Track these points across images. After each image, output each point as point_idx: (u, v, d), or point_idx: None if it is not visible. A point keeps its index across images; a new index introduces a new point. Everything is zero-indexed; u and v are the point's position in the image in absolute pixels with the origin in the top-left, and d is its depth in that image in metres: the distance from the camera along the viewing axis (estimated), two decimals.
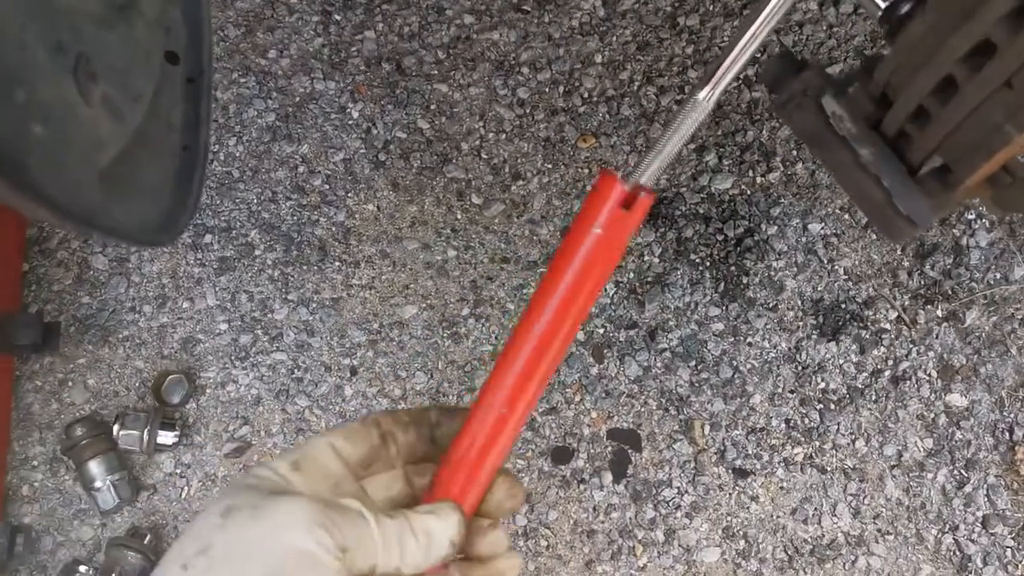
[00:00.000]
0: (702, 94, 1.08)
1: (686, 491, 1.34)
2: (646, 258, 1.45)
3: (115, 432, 1.32)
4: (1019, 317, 1.37)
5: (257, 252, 1.44)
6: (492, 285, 1.44)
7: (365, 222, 1.47)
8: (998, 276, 1.40)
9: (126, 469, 1.33)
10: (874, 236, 1.46)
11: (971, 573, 1.28)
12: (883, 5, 0.77)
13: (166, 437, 1.33)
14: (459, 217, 1.48)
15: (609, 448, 1.37)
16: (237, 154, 1.49)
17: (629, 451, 1.37)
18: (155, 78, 0.75)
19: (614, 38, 1.57)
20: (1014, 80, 0.60)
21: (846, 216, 1.46)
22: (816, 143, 0.77)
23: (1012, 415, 1.33)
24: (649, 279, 1.44)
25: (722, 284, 1.43)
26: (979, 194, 0.74)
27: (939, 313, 1.39)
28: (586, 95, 1.54)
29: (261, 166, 1.49)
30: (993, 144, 0.63)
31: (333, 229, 1.46)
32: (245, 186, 1.47)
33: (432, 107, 1.52)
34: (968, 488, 1.31)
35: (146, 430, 1.31)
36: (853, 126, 0.74)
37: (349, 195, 1.48)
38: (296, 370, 1.40)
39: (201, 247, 1.44)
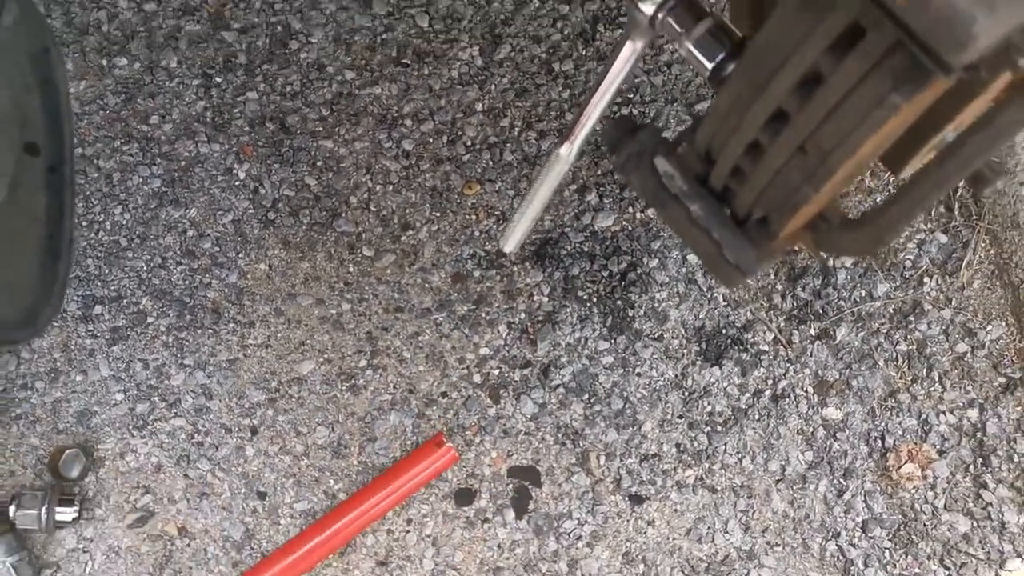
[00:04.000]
0: (563, 149, 1.14)
1: (586, 521, 1.38)
2: (535, 298, 1.50)
3: (12, 513, 1.30)
4: (884, 331, 1.46)
5: (150, 319, 1.45)
6: (388, 335, 1.48)
7: (258, 281, 1.49)
8: (863, 294, 1.49)
9: (26, 549, 1.32)
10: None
11: None
12: (710, 66, 0.83)
13: (65, 513, 1.32)
14: (351, 270, 1.50)
15: (510, 486, 1.41)
16: (124, 222, 1.49)
17: (529, 487, 1.41)
18: (10, 171, 0.76)
19: (493, 86, 1.62)
20: (807, 145, 0.66)
21: None
22: (653, 200, 0.82)
23: (883, 424, 1.41)
24: (540, 318, 1.49)
25: (610, 318, 1.49)
26: (801, 240, 0.81)
27: (812, 332, 1.48)
28: (469, 143, 1.59)
29: (149, 232, 1.49)
30: (796, 202, 0.69)
31: (226, 291, 1.47)
32: (134, 254, 1.48)
33: (319, 163, 1.55)
34: (847, 496, 1.38)
35: (44, 508, 1.30)
36: (684, 184, 0.80)
37: (240, 256, 1.49)
38: (196, 434, 1.40)
39: (92, 318, 1.43)
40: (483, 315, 1.49)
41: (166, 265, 1.48)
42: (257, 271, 1.49)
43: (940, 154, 0.66)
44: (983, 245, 1.48)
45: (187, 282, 1.47)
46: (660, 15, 0.88)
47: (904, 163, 0.77)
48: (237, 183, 1.53)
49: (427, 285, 1.50)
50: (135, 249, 1.48)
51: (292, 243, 1.51)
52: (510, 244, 1.23)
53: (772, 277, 1.52)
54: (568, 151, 1.11)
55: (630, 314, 1.50)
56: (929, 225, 1.51)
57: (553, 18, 1.66)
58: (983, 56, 0.55)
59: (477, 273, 1.51)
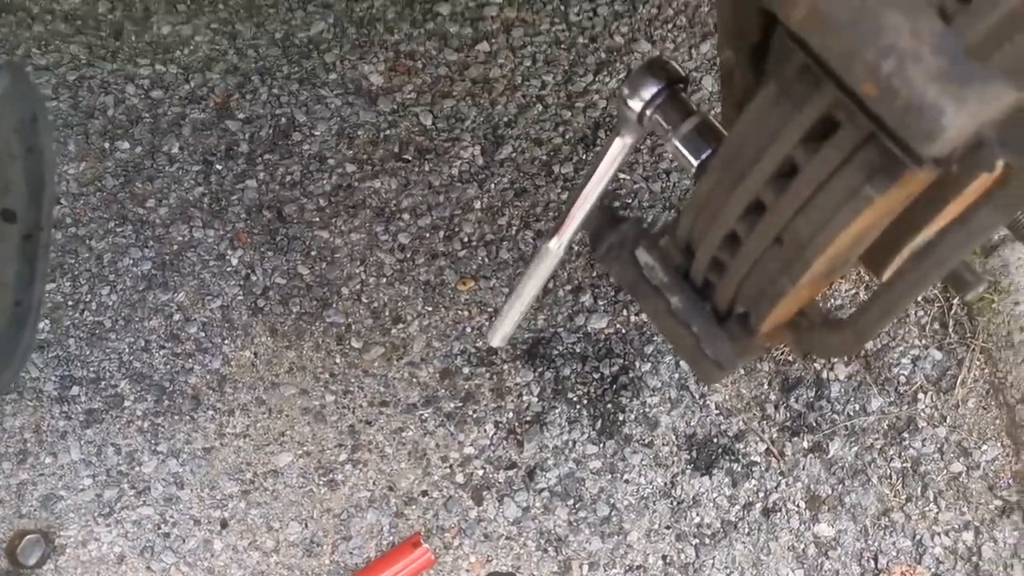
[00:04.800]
0: (552, 243, 1.13)
1: None
2: (524, 398, 1.47)
3: None
4: (877, 447, 1.42)
5: (127, 403, 1.42)
6: (371, 429, 1.44)
7: (242, 369, 1.47)
8: (857, 408, 1.45)
9: None
10: (743, 372, 1.51)
11: None
12: (695, 163, 0.83)
13: None
14: (338, 361, 1.48)
15: None
16: (110, 303, 1.48)
17: None
18: None
19: (493, 185, 1.64)
20: (784, 237, 0.65)
21: None
22: (633, 291, 0.81)
23: (876, 543, 1.36)
24: (528, 419, 1.46)
25: (599, 421, 1.46)
26: (782, 338, 0.79)
27: (805, 445, 1.44)
28: (466, 239, 1.59)
29: (135, 315, 1.48)
30: (773, 294, 0.68)
31: (208, 377, 1.45)
32: (117, 336, 1.46)
33: (313, 253, 1.55)
34: None
35: None
36: (664, 276, 0.78)
37: (226, 342, 1.48)
38: (163, 525, 1.35)
39: (67, 399, 1.41)
40: (470, 413, 1.46)
41: (149, 349, 1.46)
42: (242, 358, 1.47)
43: (917, 253, 0.64)
44: (978, 363, 1.45)
45: (169, 367, 1.45)
46: (648, 112, 0.89)
47: (885, 265, 0.75)
48: (229, 269, 1.53)
49: (415, 380, 1.48)
50: (119, 331, 1.47)
51: (280, 331, 1.49)
52: (497, 338, 1.22)
53: (766, 387, 1.49)
54: (557, 245, 1.10)
55: (620, 418, 1.46)
56: (924, 341, 1.49)
57: (555, 122, 1.69)
58: (955, 149, 0.54)
59: (466, 370, 1.49)
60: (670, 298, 0.77)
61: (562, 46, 1.75)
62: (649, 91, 0.88)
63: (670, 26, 1.78)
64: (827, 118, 0.59)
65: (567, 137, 1.67)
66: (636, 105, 0.89)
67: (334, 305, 1.52)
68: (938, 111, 0.50)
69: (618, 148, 0.97)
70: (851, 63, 0.53)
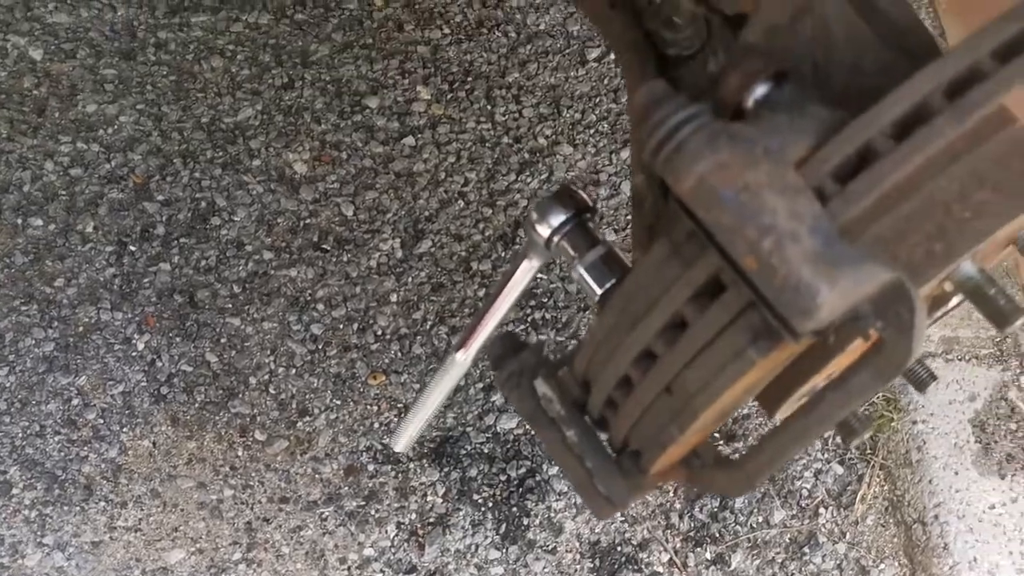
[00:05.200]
0: (459, 355, 1.13)
1: None
2: (429, 498, 1.46)
3: None
4: (779, 561, 1.44)
5: (15, 491, 1.36)
6: (268, 527, 1.40)
7: (139, 459, 1.42)
8: (760, 520, 1.47)
9: None
10: None
11: None
12: (599, 292, 0.85)
13: None
14: (240, 454, 1.45)
15: None
16: (7, 385, 1.43)
17: None
18: None
19: (410, 279, 1.64)
20: (673, 387, 0.67)
21: None
22: (531, 421, 0.81)
23: None
24: (431, 520, 1.44)
25: (504, 525, 1.45)
26: (676, 475, 0.80)
27: (708, 556, 1.45)
28: (380, 332, 1.58)
29: (32, 398, 1.43)
30: (663, 441, 0.69)
31: (103, 466, 1.40)
32: (11, 419, 1.41)
33: (223, 340, 1.53)
34: None
35: None
36: (561, 408, 0.79)
37: (124, 430, 1.43)
38: None
39: None
40: (372, 512, 1.43)
41: (43, 434, 1.40)
42: (140, 447, 1.42)
43: (802, 407, 0.66)
44: (877, 480, 1.49)
45: (63, 454, 1.40)
46: (555, 238, 0.91)
47: (777, 406, 0.77)
48: (134, 354, 1.49)
49: (318, 476, 1.45)
50: (13, 414, 1.41)
51: (181, 421, 1.45)
52: (400, 444, 1.21)
53: (671, 495, 1.50)
54: (464, 357, 1.11)
55: (525, 522, 1.45)
56: (826, 455, 1.52)
57: (476, 219, 1.71)
58: (831, 323, 0.56)
59: (372, 467, 1.47)
60: (566, 431, 0.78)
61: (487, 144, 1.79)
62: (557, 219, 0.90)
63: (592, 131, 1.83)
64: (716, 279, 0.61)
65: (487, 234, 1.69)
66: (544, 231, 0.91)
67: (240, 395, 1.49)
68: (813, 291, 0.52)
69: (525, 270, 0.99)
70: (734, 237, 0.55)
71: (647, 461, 0.73)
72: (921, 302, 0.57)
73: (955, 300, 0.76)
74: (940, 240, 0.64)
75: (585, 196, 0.92)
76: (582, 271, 0.89)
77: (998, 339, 1.56)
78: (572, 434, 0.78)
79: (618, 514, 1.46)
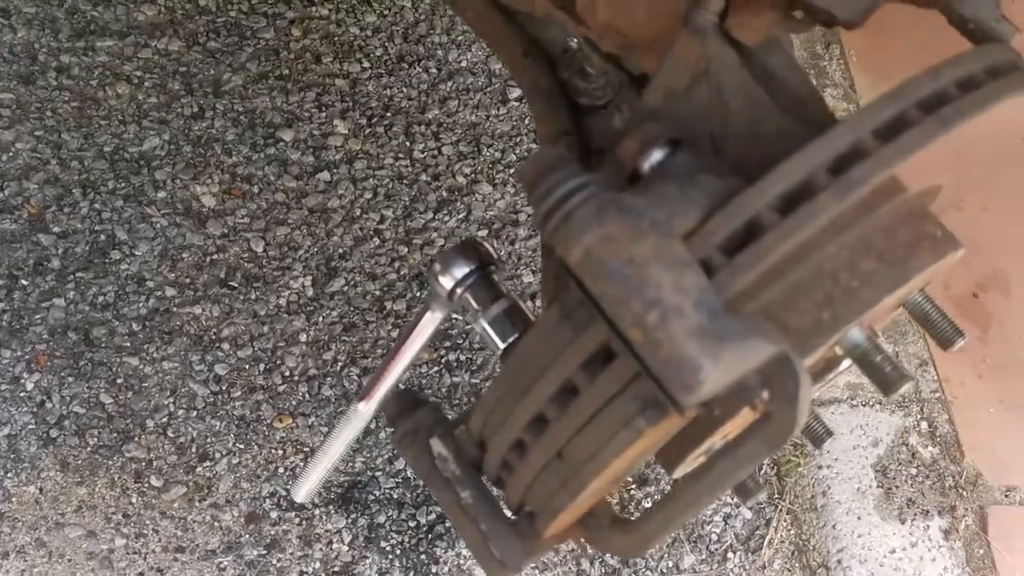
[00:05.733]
0: (361, 406, 1.10)
1: None
2: (335, 546, 1.41)
3: None
4: None
5: None
6: None
7: (23, 506, 1.34)
8: (670, 564, 1.47)
9: None
10: None
11: None
12: (502, 346, 0.84)
13: None
14: (134, 501, 1.38)
15: None
16: None
17: None
18: None
19: (321, 318, 1.60)
20: (564, 453, 0.65)
21: None
22: (426, 481, 0.79)
23: None
24: (336, 569, 1.40)
25: (411, 573, 1.41)
26: (573, 535, 0.79)
27: None
28: (287, 374, 1.54)
29: None
30: (555, 507, 0.67)
31: None
32: None
33: (119, 381, 1.46)
34: None
35: None
36: (457, 468, 0.77)
37: (9, 475, 1.35)
38: None
39: None
40: (274, 562, 1.38)
41: None
42: (25, 494, 1.35)
43: (694, 473, 0.66)
44: (784, 525, 1.50)
45: None
46: (458, 291, 0.89)
47: (675, 465, 0.76)
48: (22, 394, 1.42)
49: (217, 524, 1.39)
50: None
51: (71, 466, 1.38)
52: (301, 494, 1.17)
53: (583, 541, 1.48)
54: (366, 408, 1.08)
55: (434, 570, 1.42)
56: (736, 500, 1.53)
57: (391, 257, 1.69)
58: (716, 396, 0.56)
59: (275, 514, 1.42)
60: (460, 492, 0.76)
61: (404, 181, 1.77)
62: (461, 271, 0.88)
63: (512, 171, 1.82)
64: (606, 348, 0.60)
65: (402, 273, 1.67)
66: (447, 283, 0.89)
67: (136, 439, 1.42)
68: (696, 366, 0.52)
69: (427, 321, 0.97)
70: (620, 309, 0.54)
71: (541, 524, 0.72)
72: (805, 373, 0.57)
73: (845, 363, 0.77)
74: (828, 309, 0.65)
75: (490, 249, 0.91)
76: (485, 325, 0.88)
77: None
78: (467, 495, 0.76)
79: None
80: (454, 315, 1.66)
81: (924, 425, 1.56)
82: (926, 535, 1.44)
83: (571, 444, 0.64)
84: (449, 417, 0.81)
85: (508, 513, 0.77)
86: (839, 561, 1.41)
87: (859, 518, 1.44)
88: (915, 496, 1.49)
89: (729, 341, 0.53)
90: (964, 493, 1.50)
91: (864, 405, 1.57)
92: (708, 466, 0.65)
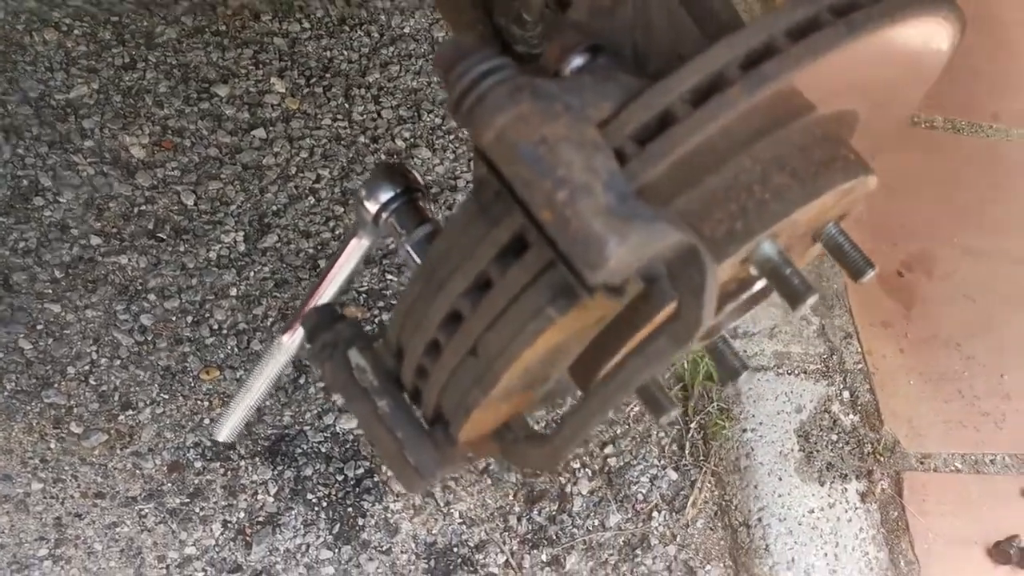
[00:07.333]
0: (285, 338, 1.09)
1: None
2: (259, 496, 1.40)
3: None
4: (612, 563, 1.45)
5: None
6: (80, 523, 1.31)
7: None
8: (596, 523, 1.48)
9: None
10: (489, 481, 1.51)
11: None
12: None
13: None
14: (52, 447, 1.35)
15: None
16: None
17: None
18: None
19: (252, 273, 1.58)
20: (478, 349, 0.66)
21: None
22: (344, 394, 0.79)
23: None
24: (260, 519, 1.38)
25: (337, 525, 1.40)
26: (488, 448, 0.79)
27: (543, 557, 1.44)
28: (216, 327, 1.52)
29: None
30: (468, 405, 0.68)
31: None
32: None
33: (39, 327, 1.43)
34: None
35: None
36: (374, 379, 0.77)
37: None
38: None
39: None
40: (197, 510, 1.36)
41: None
42: None
43: (604, 376, 0.67)
44: (709, 486, 1.53)
45: None
46: (384, 215, 0.89)
47: (588, 380, 0.77)
48: None
49: (138, 471, 1.37)
50: None
51: None
52: (223, 433, 1.16)
53: (511, 498, 1.49)
54: (289, 340, 1.07)
55: (360, 523, 1.41)
56: (663, 461, 1.55)
57: (327, 216, 1.67)
58: (625, 281, 0.57)
59: (199, 464, 1.40)
60: (378, 402, 0.76)
61: (342, 143, 1.76)
62: (385, 195, 0.89)
63: (452, 137, 1.83)
64: (520, 238, 0.61)
65: (337, 232, 1.66)
66: (372, 207, 0.89)
67: (56, 385, 1.39)
68: (601, 243, 0.52)
69: (353, 247, 0.97)
70: (531, 191, 0.54)
71: (455, 429, 0.72)
72: (712, 266, 0.58)
73: (759, 284, 0.79)
74: (741, 219, 0.66)
75: (417, 176, 0.92)
76: (408, 248, 0.88)
77: (825, 356, 1.64)
78: (384, 404, 0.76)
79: (455, 513, 1.45)
80: (390, 276, 1.66)
81: (846, 394, 1.60)
82: (844, 497, 1.48)
83: (484, 339, 0.64)
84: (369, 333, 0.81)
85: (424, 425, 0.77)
86: (759, 519, 1.44)
87: (780, 479, 1.48)
88: (835, 460, 1.52)
89: (637, 222, 0.54)
90: (881, 459, 1.54)
91: (790, 374, 1.60)
92: (617, 368, 0.66)
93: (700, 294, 0.58)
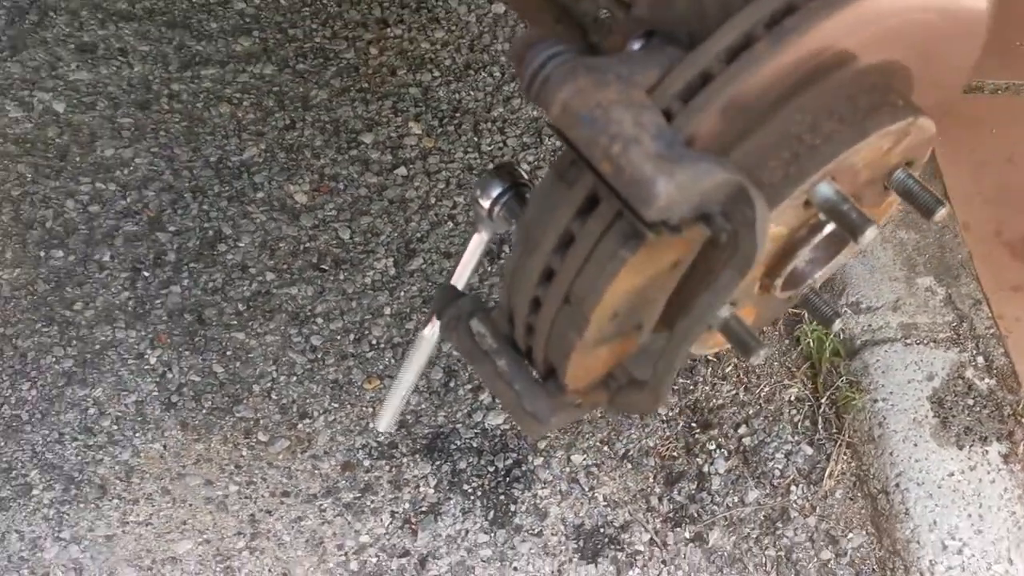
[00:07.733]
0: (426, 331, 1.25)
1: None
2: (421, 489, 1.55)
3: None
4: (754, 536, 1.51)
5: (35, 491, 1.48)
6: (271, 518, 1.50)
7: (150, 461, 1.54)
8: (735, 499, 1.55)
9: None
10: (629, 466, 1.60)
11: None
12: None
13: None
14: (244, 454, 1.56)
15: None
16: (29, 398, 1.56)
17: None
18: None
19: (402, 293, 1.76)
20: (570, 296, 0.78)
21: (605, 448, 1.61)
22: (469, 358, 0.92)
23: None
24: (423, 509, 1.53)
25: (492, 512, 1.53)
26: (597, 398, 0.90)
27: (687, 535, 1.52)
28: (374, 342, 1.70)
29: (52, 409, 1.56)
30: (566, 349, 0.79)
31: (116, 468, 1.52)
32: (32, 428, 1.54)
33: (228, 353, 1.65)
34: None
35: None
36: (493, 342, 0.90)
37: (137, 435, 1.55)
38: None
39: None
40: (368, 503, 1.53)
41: (62, 440, 1.53)
42: (151, 450, 1.54)
43: (679, 313, 0.77)
44: (844, 457, 1.56)
45: (79, 458, 1.52)
46: (496, 209, 1.03)
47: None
48: (147, 367, 1.62)
49: (317, 472, 1.55)
50: (35, 423, 1.54)
51: (190, 425, 1.57)
52: (383, 423, 1.31)
53: (651, 480, 1.58)
54: (431, 332, 1.23)
55: (512, 509, 1.54)
56: (796, 438, 1.60)
57: (464, 238, 1.84)
58: (681, 218, 0.67)
59: (367, 463, 1.57)
60: (497, 361, 0.88)
61: (474, 172, 1.93)
62: (495, 190, 1.02)
63: None
64: (593, 196, 0.73)
65: None
66: (485, 203, 1.03)
67: (244, 401, 1.61)
68: (651, 182, 0.64)
69: (476, 242, 1.11)
70: (592, 149, 0.66)
71: (561, 375, 0.84)
72: (762, 200, 0.68)
73: (829, 227, 0.87)
74: (794, 164, 0.76)
75: (522, 172, 1.05)
76: None
77: (954, 324, 1.64)
78: (502, 363, 0.88)
79: (599, 496, 1.55)
80: None
81: (980, 359, 1.60)
82: (985, 459, 1.48)
83: (573, 287, 0.76)
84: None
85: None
86: (897, 485, 1.46)
87: (915, 445, 1.49)
88: (972, 424, 1.53)
89: (683, 162, 0.64)
90: (1022, 420, 1.53)
91: (918, 343, 1.62)
92: (690, 305, 0.76)
93: (752, 224, 0.68)
